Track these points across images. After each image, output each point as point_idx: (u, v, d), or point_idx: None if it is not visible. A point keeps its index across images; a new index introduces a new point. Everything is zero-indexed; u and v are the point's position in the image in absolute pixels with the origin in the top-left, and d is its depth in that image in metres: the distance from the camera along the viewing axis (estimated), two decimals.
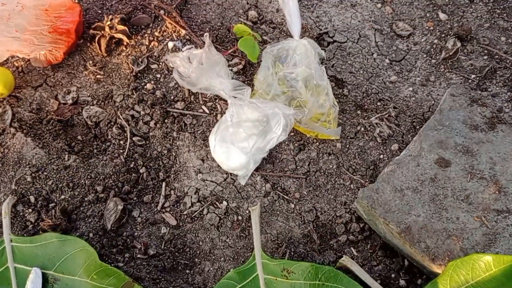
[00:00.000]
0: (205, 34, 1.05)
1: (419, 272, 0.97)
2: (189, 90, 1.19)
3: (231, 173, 1.09)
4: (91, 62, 1.23)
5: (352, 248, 1.02)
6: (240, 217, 1.04)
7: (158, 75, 1.21)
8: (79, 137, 1.13)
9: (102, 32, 1.23)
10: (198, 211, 1.04)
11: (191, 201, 1.05)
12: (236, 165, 1.05)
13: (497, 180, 0.98)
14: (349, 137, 1.15)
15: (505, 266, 0.83)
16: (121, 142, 1.12)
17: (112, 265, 0.97)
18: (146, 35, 1.28)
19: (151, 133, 1.13)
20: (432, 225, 0.93)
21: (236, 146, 1.04)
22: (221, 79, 1.05)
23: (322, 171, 1.11)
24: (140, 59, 1.22)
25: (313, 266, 0.91)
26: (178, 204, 1.06)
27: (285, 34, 1.34)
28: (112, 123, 1.14)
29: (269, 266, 0.93)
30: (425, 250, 0.90)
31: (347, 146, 1.14)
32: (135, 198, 1.06)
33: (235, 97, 1.06)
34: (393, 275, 0.97)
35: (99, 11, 1.33)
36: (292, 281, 0.91)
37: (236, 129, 1.04)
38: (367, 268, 0.98)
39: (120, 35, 1.23)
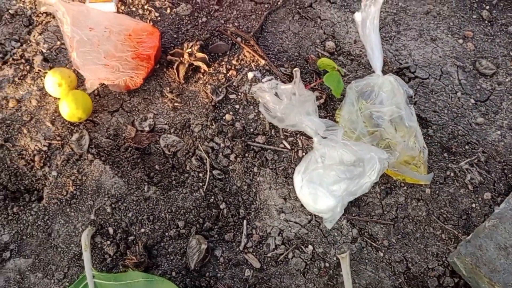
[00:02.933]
0: (295, 69, 1.01)
1: None
2: (270, 123, 1.14)
3: (315, 215, 1.03)
4: (168, 88, 1.20)
5: None
6: (327, 264, 0.99)
7: (237, 106, 1.18)
8: (156, 167, 1.09)
9: (181, 58, 1.20)
10: (283, 254, 0.99)
11: (275, 242, 1.01)
12: (323, 207, 1.00)
13: None
14: (438, 183, 1.10)
15: None
16: (200, 174, 1.08)
17: None
18: (223, 63, 1.24)
19: (231, 167, 1.09)
20: None
21: (325, 188, 0.99)
22: (311, 118, 1.00)
23: (410, 217, 1.05)
24: (219, 89, 1.19)
25: None
26: (261, 245, 1.01)
27: (363, 67, 1.30)
28: (190, 153, 1.10)
29: None
30: None
31: (437, 192, 1.08)
32: (216, 236, 1.01)
33: (323, 137, 1.01)
34: None
35: (174, 35, 1.30)
36: None
37: (327, 172, 0.99)
38: None
39: (199, 63, 1.20)
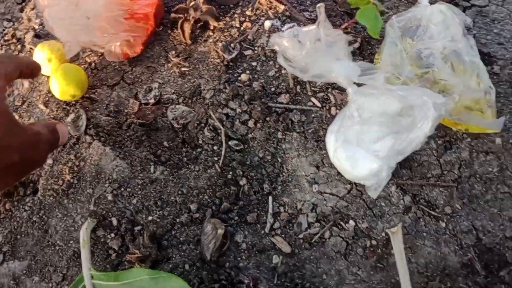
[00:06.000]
0: (319, 5, 0.81)
1: None
2: (294, 79, 0.95)
3: (356, 183, 0.83)
4: (173, 52, 1.03)
5: None
6: (374, 242, 0.79)
7: (254, 63, 0.99)
8: (165, 143, 0.93)
9: (185, 15, 1.03)
10: (318, 233, 0.80)
11: (307, 220, 0.82)
12: (365, 173, 0.80)
13: None
14: (511, 129, 0.86)
15: None
16: (215, 147, 0.90)
17: None
18: (236, 15, 1.06)
19: (250, 135, 0.90)
20: None
21: (365, 148, 0.79)
22: (342, 62, 0.79)
23: (478, 176, 0.83)
24: (231, 45, 1.00)
25: None
26: (291, 224, 0.83)
27: (406, 1, 1.06)
28: (202, 124, 0.93)
29: None
30: None
31: (510, 141, 0.85)
32: (236, 218, 0.84)
33: (360, 85, 0.80)
34: None
35: None
36: None
37: (367, 127, 0.79)
38: None
39: (206, 17, 1.02)
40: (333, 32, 0.82)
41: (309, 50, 0.81)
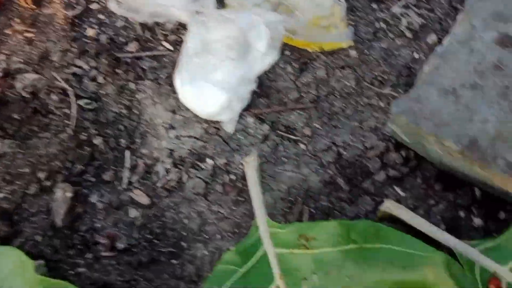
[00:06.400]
0: None
1: (500, 202, 0.66)
2: (142, 25, 0.88)
3: (213, 122, 0.78)
4: (18, 20, 0.94)
5: (396, 188, 0.71)
6: (233, 176, 0.75)
7: (101, 16, 0.92)
8: (15, 116, 0.85)
9: None
10: (175, 179, 0.75)
11: (164, 167, 0.77)
12: (216, 108, 0.75)
13: None
14: (366, 40, 0.83)
15: None
16: (66, 110, 0.83)
17: (72, 271, 0.70)
18: None
19: (101, 91, 0.84)
20: (510, 132, 0.60)
21: (210, 81, 0.74)
22: None
23: (337, 92, 0.80)
24: (74, 0, 0.93)
25: (341, 224, 0.61)
26: (149, 175, 0.77)
27: None
28: (52, 89, 0.85)
29: (280, 235, 0.63)
30: (506, 169, 0.58)
31: (366, 52, 0.82)
32: (92, 179, 0.78)
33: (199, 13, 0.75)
34: (462, 213, 0.66)
35: None
36: (315, 251, 0.61)
37: (205, 58, 0.74)
38: (422, 211, 0.67)
39: None
40: None
41: None
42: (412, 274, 0.57)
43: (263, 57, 0.73)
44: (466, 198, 0.68)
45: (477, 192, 0.68)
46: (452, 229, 0.66)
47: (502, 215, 0.66)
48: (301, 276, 0.61)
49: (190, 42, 0.74)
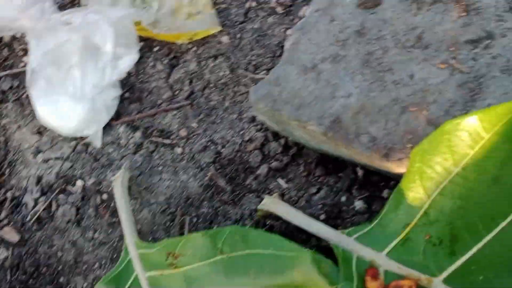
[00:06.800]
0: None
1: (383, 179, 0.60)
2: None
3: (80, 138, 0.71)
4: None
5: (279, 179, 0.65)
6: (105, 196, 0.68)
7: None
8: None
9: None
10: (43, 209, 0.68)
11: (32, 198, 0.70)
12: (75, 123, 0.68)
13: None
14: (237, 23, 0.76)
15: (503, 124, 0.45)
16: None
17: None
18: None
19: None
20: (373, 102, 0.55)
21: (62, 94, 0.67)
22: (5, 1, 0.66)
23: (212, 84, 0.73)
24: None
25: (206, 234, 0.55)
26: (18, 208, 0.70)
27: None
28: None
29: (150, 256, 0.57)
30: (371, 144, 0.53)
31: (238, 36, 0.75)
32: None
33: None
34: (343, 198, 0.61)
35: None
36: (183, 269, 0.55)
37: (51, 70, 0.66)
38: (304, 200, 0.62)
39: None
40: None
41: None
42: (282, 278, 0.51)
43: (115, 59, 0.66)
44: (346, 180, 0.62)
45: (359, 172, 0.62)
46: (335, 217, 0.60)
47: (386, 193, 0.60)
48: None
49: (32, 55, 0.67)
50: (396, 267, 0.50)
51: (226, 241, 0.54)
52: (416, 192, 0.49)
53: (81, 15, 0.64)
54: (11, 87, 0.78)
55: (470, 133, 0.46)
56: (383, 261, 0.50)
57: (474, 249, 0.48)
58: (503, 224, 0.47)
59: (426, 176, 0.49)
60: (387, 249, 0.51)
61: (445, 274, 0.49)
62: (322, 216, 0.60)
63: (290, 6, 0.76)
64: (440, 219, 0.49)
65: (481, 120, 0.46)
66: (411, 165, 0.50)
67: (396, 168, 0.53)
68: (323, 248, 0.55)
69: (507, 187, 0.47)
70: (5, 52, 0.81)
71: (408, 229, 0.50)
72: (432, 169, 0.48)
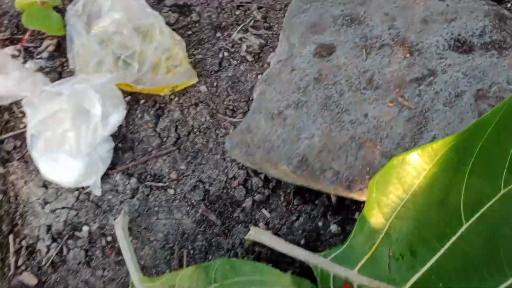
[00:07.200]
0: None
1: (354, 202, 0.70)
2: None
3: (82, 188, 0.80)
4: None
5: (263, 210, 0.74)
6: (109, 238, 0.77)
7: None
8: None
9: None
10: (56, 254, 0.76)
11: (45, 245, 0.78)
12: (75, 176, 0.77)
13: (404, 38, 0.69)
14: (213, 72, 0.86)
15: (439, 157, 0.54)
16: None
17: None
18: None
19: None
20: (334, 141, 0.64)
21: (60, 153, 0.76)
22: (2, 77, 0.75)
23: (195, 130, 0.82)
24: None
25: (199, 267, 0.63)
26: (33, 255, 0.78)
27: None
28: None
29: None
30: (334, 179, 0.62)
31: (215, 84, 0.85)
32: None
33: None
34: (320, 223, 0.70)
35: None
36: None
37: (48, 134, 0.75)
38: (286, 227, 0.71)
39: None
40: None
41: None
42: None
43: (105, 118, 0.75)
44: (322, 207, 0.72)
45: (333, 199, 0.72)
46: (313, 240, 0.70)
47: (357, 215, 0.69)
48: None
49: (30, 123, 0.76)
50: (366, 281, 0.59)
51: (218, 272, 0.63)
52: (376, 217, 0.59)
53: (69, 85, 0.73)
54: (14, 147, 0.86)
55: (414, 166, 0.56)
56: (356, 277, 0.60)
57: (432, 261, 0.57)
58: (453, 238, 0.57)
59: (383, 203, 0.58)
60: (358, 266, 0.60)
61: (408, 284, 0.58)
62: (303, 241, 0.69)
63: (259, 53, 0.85)
64: (400, 238, 0.59)
65: (420, 156, 0.55)
66: (369, 194, 0.59)
67: (358, 197, 0.62)
68: (306, 268, 0.63)
69: (453, 207, 0.57)
70: (6, 115, 0.89)
71: (373, 248, 0.60)
72: (387, 197, 0.58)
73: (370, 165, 0.62)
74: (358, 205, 0.69)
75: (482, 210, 0.56)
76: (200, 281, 0.63)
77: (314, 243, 0.69)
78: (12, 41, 0.94)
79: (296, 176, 0.64)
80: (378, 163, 0.62)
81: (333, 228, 0.69)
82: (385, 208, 0.58)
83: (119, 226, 0.72)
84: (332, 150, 0.64)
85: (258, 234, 0.68)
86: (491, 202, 0.56)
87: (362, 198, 0.62)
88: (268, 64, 0.84)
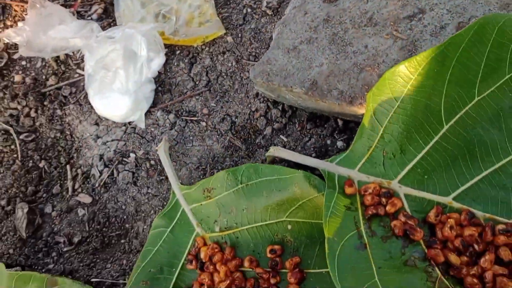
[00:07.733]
0: None
1: (356, 124, 0.83)
2: (56, 61, 1.05)
3: (129, 123, 0.95)
4: None
5: (281, 136, 0.88)
6: (152, 162, 0.91)
7: (24, 62, 1.08)
8: None
9: None
10: (107, 176, 0.92)
11: (98, 170, 0.93)
12: (124, 111, 0.92)
13: None
14: (238, 26, 1.00)
15: (423, 67, 0.67)
16: (12, 146, 1.00)
17: (43, 269, 0.86)
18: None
19: (37, 123, 1.01)
20: (339, 67, 0.77)
21: (112, 91, 0.91)
22: (62, 27, 0.90)
23: (223, 74, 0.96)
24: None
25: (228, 171, 0.77)
26: (87, 180, 0.94)
27: None
28: None
29: (191, 195, 0.80)
30: (339, 96, 0.75)
31: (239, 35, 0.99)
32: (44, 195, 0.94)
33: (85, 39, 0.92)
34: (328, 141, 0.83)
35: None
36: (216, 198, 0.78)
37: (102, 73, 0.90)
38: (300, 147, 0.84)
39: None
40: (50, 6, 0.93)
41: (31, 29, 0.91)
42: (286, 193, 0.73)
43: (149, 61, 0.90)
44: (330, 128, 0.85)
45: (339, 122, 0.85)
46: (323, 155, 0.83)
47: None
48: (212, 220, 0.77)
49: (87, 64, 0.91)
50: (365, 177, 0.72)
51: (244, 174, 0.76)
52: (373, 123, 0.72)
53: (120, 30, 0.88)
54: (70, 93, 1.02)
55: (402, 76, 0.69)
56: (356, 175, 0.73)
57: (418, 157, 0.70)
58: (436, 137, 0.69)
59: (378, 111, 0.71)
60: (358, 167, 0.73)
61: (399, 177, 0.70)
62: (313, 155, 0.82)
63: (278, 8, 0.99)
64: (392, 139, 0.71)
65: (407, 67, 0.68)
66: (367, 105, 0.72)
67: (359, 110, 0.75)
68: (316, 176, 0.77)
69: (435, 111, 0.69)
70: (62, 67, 1.05)
71: (370, 150, 0.72)
72: (381, 106, 0.71)
73: (368, 84, 0.75)
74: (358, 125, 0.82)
75: (460, 114, 0.68)
76: (229, 182, 0.77)
77: (323, 157, 0.82)
78: (65, 6, 1.10)
79: (307, 96, 0.78)
80: (375, 82, 0.74)
81: (339, 144, 0.82)
82: (380, 115, 0.71)
83: (162, 150, 0.87)
84: (338, 74, 0.77)
85: (277, 151, 0.82)
86: (467, 107, 0.68)
87: (361, 111, 0.75)
88: None
